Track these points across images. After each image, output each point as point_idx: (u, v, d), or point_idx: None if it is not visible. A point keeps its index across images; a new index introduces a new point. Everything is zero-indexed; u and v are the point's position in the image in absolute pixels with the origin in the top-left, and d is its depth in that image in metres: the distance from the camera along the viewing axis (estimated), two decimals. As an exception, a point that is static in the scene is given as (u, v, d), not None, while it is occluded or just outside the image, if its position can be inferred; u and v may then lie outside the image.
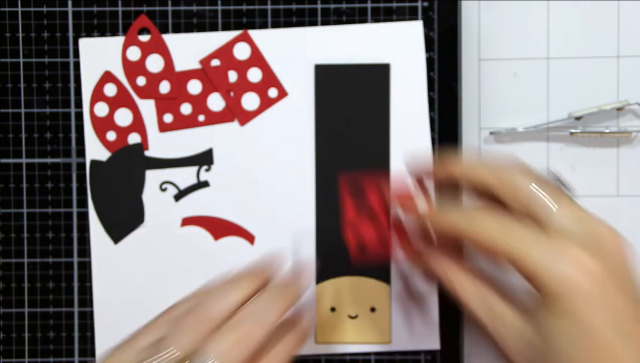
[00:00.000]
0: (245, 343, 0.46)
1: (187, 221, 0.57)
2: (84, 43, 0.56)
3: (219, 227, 0.57)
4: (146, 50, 0.56)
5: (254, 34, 0.56)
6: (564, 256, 0.39)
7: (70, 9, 0.57)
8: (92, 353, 0.57)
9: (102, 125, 0.56)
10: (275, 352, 0.46)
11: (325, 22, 0.56)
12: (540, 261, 0.40)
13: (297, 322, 0.48)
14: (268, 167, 0.56)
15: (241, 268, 0.48)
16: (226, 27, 0.56)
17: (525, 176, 0.43)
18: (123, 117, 0.56)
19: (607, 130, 0.54)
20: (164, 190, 0.57)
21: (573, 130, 0.55)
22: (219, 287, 0.48)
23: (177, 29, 0.56)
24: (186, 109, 0.56)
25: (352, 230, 0.56)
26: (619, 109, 0.55)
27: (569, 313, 0.39)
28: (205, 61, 0.56)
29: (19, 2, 0.57)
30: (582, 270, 0.39)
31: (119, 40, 0.56)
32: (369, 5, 0.56)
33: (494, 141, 0.56)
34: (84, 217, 0.57)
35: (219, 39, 0.56)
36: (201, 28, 0.56)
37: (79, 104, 0.56)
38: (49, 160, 0.57)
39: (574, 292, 0.39)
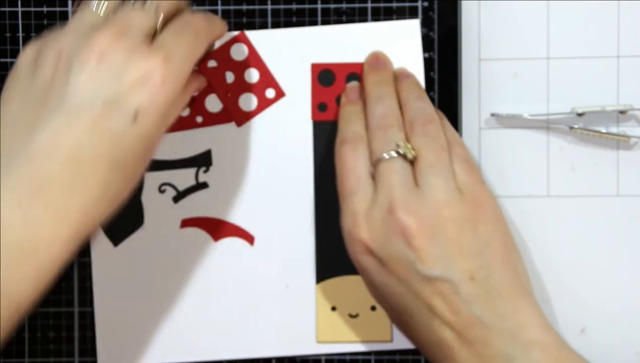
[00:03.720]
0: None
1: (186, 222, 0.57)
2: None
3: (218, 228, 0.57)
4: (143, 52, 0.56)
5: (251, 34, 0.56)
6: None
7: (70, 9, 0.57)
8: (92, 354, 0.57)
9: (100, 128, 0.56)
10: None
11: (325, 22, 0.56)
12: None
13: None
14: (267, 167, 0.56)
15: None
16: (226, 27, 0.56)
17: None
18: (121, 119, 0.56)
19: (604, 131, 0.54)
20: (162, 191, 0.57)
21: (572, 126, 0.55)
22: None
23: (176, 29, 0.56)
24: (184, 110, 0.56)
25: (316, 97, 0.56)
26: (622, 112, 0.55)
27: None
28: (202, 62, 0.56)
29: (19, 2, 0.57)
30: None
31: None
32: (369, 5, 0.56)
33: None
34: (84, 217, 0.57)
35: (216, 40, 0.56)
36: (201, 28, 0.56)
37: (78, 104, 0.56)
38: (49, 160, 0.57)
39: None
